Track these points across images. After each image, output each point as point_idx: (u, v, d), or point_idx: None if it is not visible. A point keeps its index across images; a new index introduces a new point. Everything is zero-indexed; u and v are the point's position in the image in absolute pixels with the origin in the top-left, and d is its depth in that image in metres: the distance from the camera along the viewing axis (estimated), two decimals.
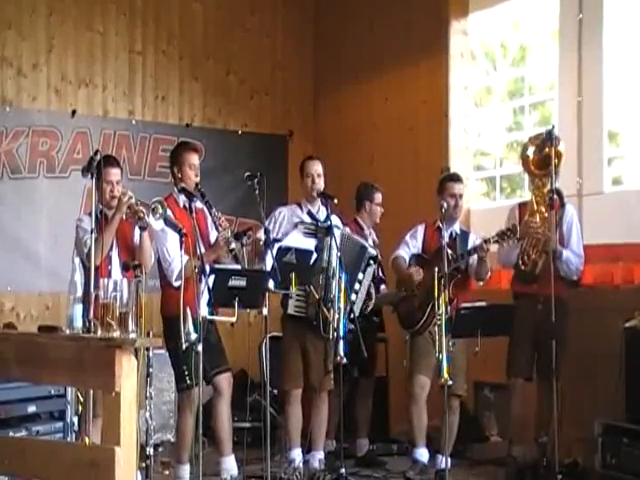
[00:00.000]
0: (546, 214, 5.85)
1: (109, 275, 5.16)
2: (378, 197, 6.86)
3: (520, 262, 5.99)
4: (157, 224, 5.28)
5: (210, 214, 5.57)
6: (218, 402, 5.63)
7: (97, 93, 8.09)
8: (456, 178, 6.26)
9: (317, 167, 6.10)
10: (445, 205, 5.97)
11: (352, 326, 5.78)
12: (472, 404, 6.92)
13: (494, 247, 5.96)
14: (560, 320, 5.69)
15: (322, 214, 6.09)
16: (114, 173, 5.43)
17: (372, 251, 6.19)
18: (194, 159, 5.67)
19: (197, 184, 5.59)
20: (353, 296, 6.02)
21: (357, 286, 6.09)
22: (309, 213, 6.09)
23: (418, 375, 5.95)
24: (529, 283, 5.99)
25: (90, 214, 5.43)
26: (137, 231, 5.42)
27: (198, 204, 5.59)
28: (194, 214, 5.43)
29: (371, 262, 6.14)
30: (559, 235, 5.92)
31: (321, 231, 5.98)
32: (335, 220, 6.03)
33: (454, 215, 6.17)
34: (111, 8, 8.18)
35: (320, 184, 6.06)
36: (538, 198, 5.96)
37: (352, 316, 5.84)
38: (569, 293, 5.90)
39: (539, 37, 7.36)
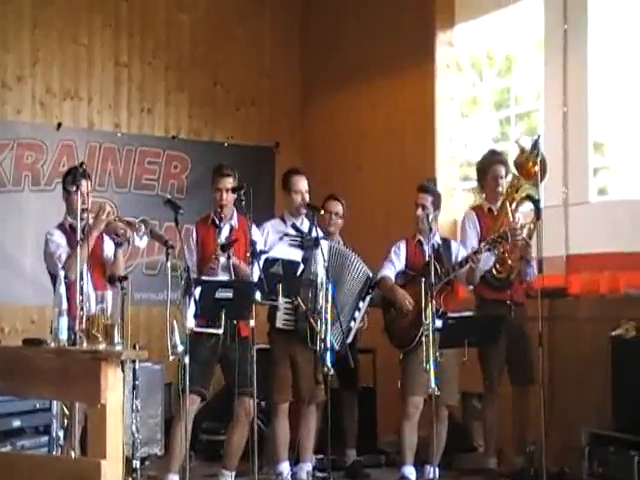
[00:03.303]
0: (517, 215, 5.97)
1: (81, 290, 4.89)
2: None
3: (494, 269, 6.01)
4: (141, 243, 5.29)
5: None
6: (232, 426, 5.68)
7: (82, 105, 8.05)
8: (420, 188, 6.09)
9: (305, 183, 6.07)
10: (418, 214, 5.96)
11: (343, 353, 5.78)
12: (460, 414, 6.91)
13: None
14: (525, 325, 6.03)
15: (305, 226, 6.07)
16: (83, 184, 5.27)
17: (374, 276, 6.15)
18: (221, 183, 5.72)
19: (221, 206, 5.72)
20: (352, 323, 6.10)
21: (357, 314, 6.14)
22: (293, 226, 6.06)
23: (412, 397, 5.87)
24: (502, 289, 6.02)
25: (60, 227, 5.42)
26: (109, 245, 5.44)
27: (234, 221, 5.78)
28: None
29: (370, 291, 6.16)
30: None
31: (308, 243, 5.96)
32: (320, 232, 5.99)
33: (422, 226, 5.96)
34: (96, 20, 8.14)
35: (307, 200, 6.06)
36: (511, 198, 5.99)
37: (345, 342, 5.89)
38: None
39: (524, 48, 7.39)
